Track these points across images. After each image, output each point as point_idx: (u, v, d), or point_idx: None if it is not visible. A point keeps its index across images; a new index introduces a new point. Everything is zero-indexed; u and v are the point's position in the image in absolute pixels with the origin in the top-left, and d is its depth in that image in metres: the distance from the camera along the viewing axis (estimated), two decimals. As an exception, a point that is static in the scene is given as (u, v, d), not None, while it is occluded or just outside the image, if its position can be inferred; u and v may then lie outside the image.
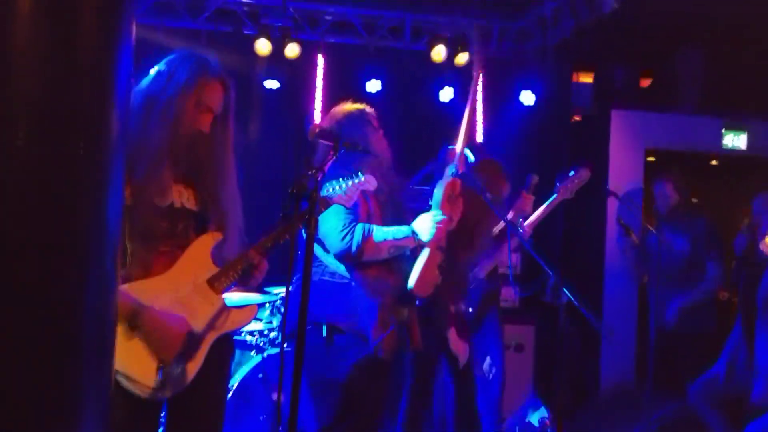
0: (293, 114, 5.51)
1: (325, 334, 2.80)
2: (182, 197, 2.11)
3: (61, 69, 1.27)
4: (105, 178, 1.37)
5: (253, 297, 4.24)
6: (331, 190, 2.39)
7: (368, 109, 2.99)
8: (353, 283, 2.81)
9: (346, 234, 2.70)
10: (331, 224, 2.68)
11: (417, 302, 2.93)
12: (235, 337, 4.17)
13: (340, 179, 2.41)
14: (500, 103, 5.96)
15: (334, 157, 2.17)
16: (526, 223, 3.92)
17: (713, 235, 4.69)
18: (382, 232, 2.76)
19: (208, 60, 2.17)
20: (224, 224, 2.16)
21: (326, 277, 2.82)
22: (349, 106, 2.96)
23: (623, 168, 5.68)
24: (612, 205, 5.47)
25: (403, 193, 3.09)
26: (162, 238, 2.06)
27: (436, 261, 2.84)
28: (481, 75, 2.92)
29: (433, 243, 2.79)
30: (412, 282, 2.81)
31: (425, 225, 2.76)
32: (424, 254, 2.80)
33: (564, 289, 2.86)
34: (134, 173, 1.94)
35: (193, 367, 2.07)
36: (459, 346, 3.41)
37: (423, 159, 4.05)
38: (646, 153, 5.77)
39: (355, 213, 2.77)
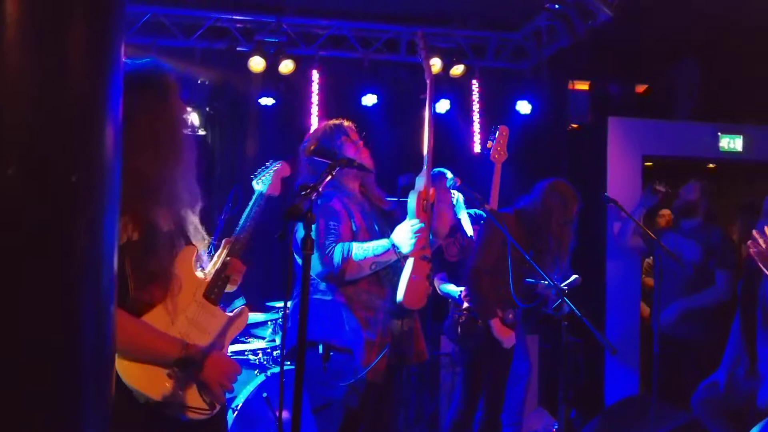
0: (289, 130, 5.50)
1: (321, 352, 2.79)
2: (164, 217, 2.07)
3: (52, 96, 1.25)
4: (100, 205, 1.35)
5: (255, 315, 4.23)
6: (262, 186, 2.42)
7: (346, 122, 3.00)
8: (342, 301, 2.79)
9: (326, 256, 2.70)
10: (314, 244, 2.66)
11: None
12: (239, 357, 4.15)
13: (265, 172, 2.46)
14: (497, 112, 5.97)
15: (331, 176, 2.15)
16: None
17: (728, 247, 4.68)
18: (362, 250, 2.73)
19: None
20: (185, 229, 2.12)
21: (318, 296, 2.81)
22: (327, 122, 3.03)
23: (621, 175, 5.67)
24: (612, 213, 5.46)
25: (393, 204, 3.09)
26: (161, 263, 2.04)
27: (424, 271, 2.79)
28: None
29: (416, 253, 2.74)
30: (400, 295, 2.76)
31: (404, 236, 2.71)
32: (408, 265, 2.75)
33: (566, 300, 2.85)
34: (132, 206, 1.90)
35: None
36: (503, 333, 3.74)
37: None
38: (643, 159, 5.77)
39: (337, 232, 2.76)
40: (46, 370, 1.26)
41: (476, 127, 5.96)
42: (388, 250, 2.72)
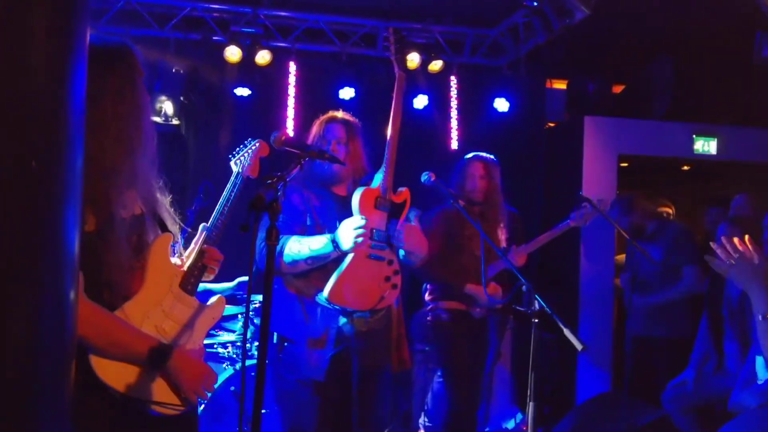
0: (265, 122, 5.45)
1: (276, 342, 2.77)
2: (133, 201, 1.98)
3: (10, 79, 1.22)
4: (60, 192, 1.31)
5: (227, 308, 4.18)
6: (240, 168, 2.29)
7: (338, 116, 3.00)
8: (292, 293, 2.76)
9: (263, 248, 2.62)
10: (258, 236, 2.51)
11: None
12: (208, 350, 4.11)
13: (243, 152, 2.34)
14: (474, 110, 5.96)
15: (299, 167, 2.12)
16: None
17: (687, 239, 4.70)
18: (297, 245, 2.67)
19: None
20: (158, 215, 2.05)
21: (276, 286, 2.77)
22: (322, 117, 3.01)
23: (597, 174, 5.70)
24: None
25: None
26: (133, 253, 1.98)
27: (379, 272, 2.70)
28: (403, 76, 2.93)
29: (360, 251, 2.64)
30: (326, 291, 2.63)
31: (345, 233, 2.63)
32: (346, 262, 2.64)
33: (537, 297, 2.84)
34: (97, 191, 1.80)
35: None
36: (489, 290, 3.81)
37: (396, 167, 4.03)
38: (619, 159, 5.80)
39: (284, 225, 2.71)
40: (1, 362, 1.23)
41: (453, 123, 5.95)
42: (327, 245, 2.66)
